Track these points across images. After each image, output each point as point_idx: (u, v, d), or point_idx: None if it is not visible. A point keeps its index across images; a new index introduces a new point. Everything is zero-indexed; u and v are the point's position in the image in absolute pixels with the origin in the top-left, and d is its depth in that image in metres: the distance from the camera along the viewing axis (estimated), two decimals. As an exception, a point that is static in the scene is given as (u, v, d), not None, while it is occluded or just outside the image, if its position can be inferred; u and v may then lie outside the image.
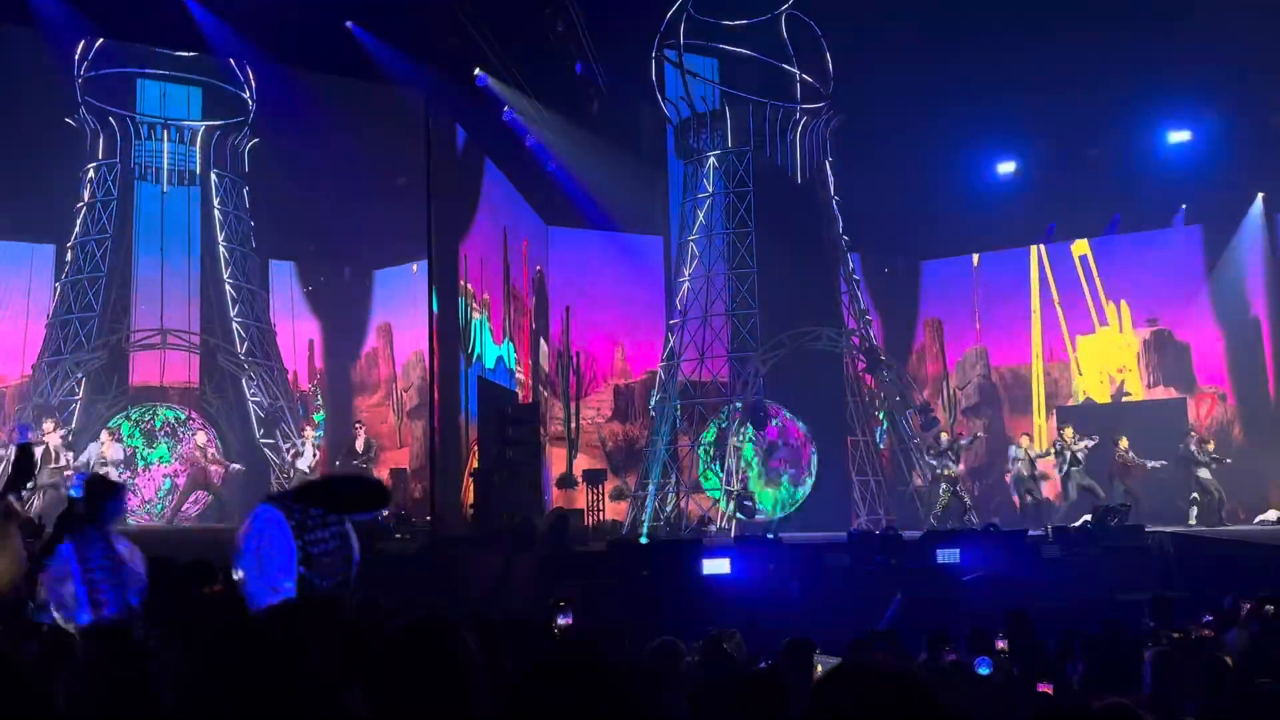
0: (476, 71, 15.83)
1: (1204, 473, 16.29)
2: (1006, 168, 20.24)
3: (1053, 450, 17.28)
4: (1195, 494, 16.22)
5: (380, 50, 14.32)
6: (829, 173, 18.78)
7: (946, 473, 16.80)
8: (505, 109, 17.03)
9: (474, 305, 16.13)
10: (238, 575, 1.92)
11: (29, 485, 4.42)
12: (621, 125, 18.47)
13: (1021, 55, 17.12)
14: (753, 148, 18.24)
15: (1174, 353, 19.49)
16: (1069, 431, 17.20)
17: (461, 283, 15.55)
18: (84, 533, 2.35)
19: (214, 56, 13.23)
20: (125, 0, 12.30)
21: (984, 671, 5.77)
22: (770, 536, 13.76)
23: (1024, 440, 17.92)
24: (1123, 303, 19.99)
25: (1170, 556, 13.08)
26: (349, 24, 14.18)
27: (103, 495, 2.47)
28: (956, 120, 18.44)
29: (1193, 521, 15.86)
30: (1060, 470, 17.09)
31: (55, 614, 2.37)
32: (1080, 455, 16.71)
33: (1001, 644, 6.48)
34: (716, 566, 11.52)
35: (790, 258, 18.22)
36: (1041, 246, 20.60)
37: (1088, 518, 14.55)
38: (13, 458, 4.64)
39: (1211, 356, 19.11)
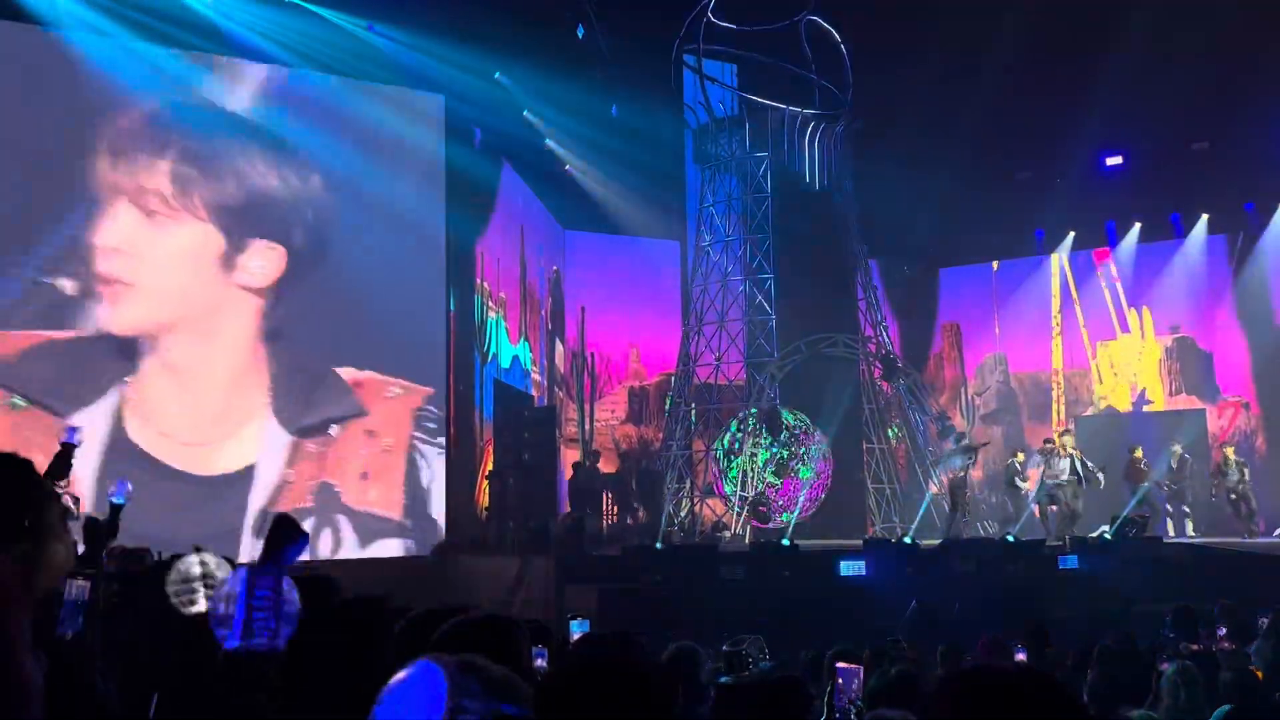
0: (496, 75, 15.88)
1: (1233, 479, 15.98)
2: (1025, 175, 20.16)
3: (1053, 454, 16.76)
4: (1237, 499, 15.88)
5: (400, 53, 14.38)
6: (847, 179, 18.75)
7: (954, 475, 16.62)
8: (524, 113, 17.08)
9: (490, 304, 16.16)
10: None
11: (62, 483, 4.45)
12: (640, 130, 18.49)
13: (1038, 62, 17.07)
14: (771, 153, 18.23)
15: (1196, 360, 19.36)
16: (1069, 440, 16.89)
17: (478, 281, 15.58)
18: (261, 569, 2.41)
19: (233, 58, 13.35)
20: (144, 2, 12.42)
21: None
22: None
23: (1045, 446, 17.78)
24: (1145, 309, 19.87)
25: (1189, 567, 13.01)
26: (369, 25, 14.25)
27: (289, 539, 2.53)
28: (976, 127, 18.38)
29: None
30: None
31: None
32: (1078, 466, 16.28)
33: (1020, 655, 6.45)
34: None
35: (807, 264, 18.21)
36: (1062, 254, 20.52)
37: (1105, 528, 14.47)
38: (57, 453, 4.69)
39: (1235, 365, 18.97)
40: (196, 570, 3.06)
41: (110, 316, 12.41)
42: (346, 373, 13.81)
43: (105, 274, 12.38)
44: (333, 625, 2.66)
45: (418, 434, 14.10)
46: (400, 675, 1.87)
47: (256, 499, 12.97)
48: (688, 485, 17.69)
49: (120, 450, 12.12)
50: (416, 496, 14.00)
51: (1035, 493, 16.36)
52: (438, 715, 1.78)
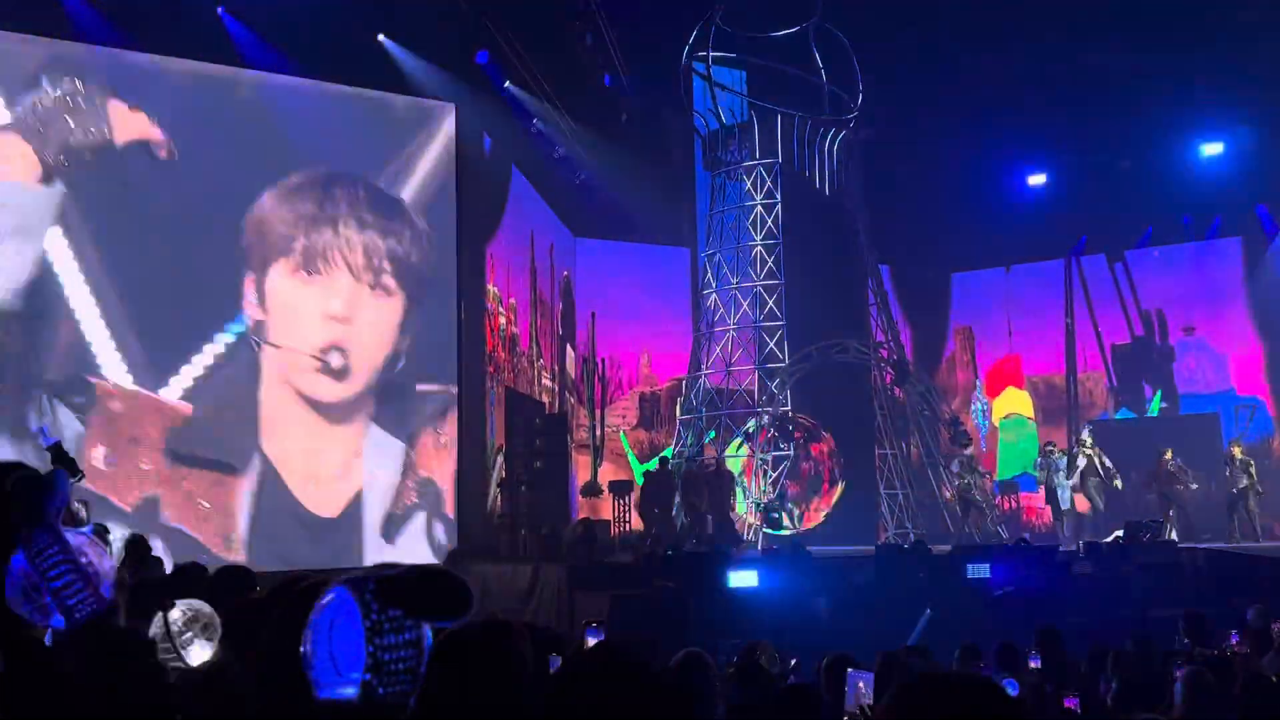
0: (506, 84, 15.94)
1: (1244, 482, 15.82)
2: (1037, 180, 20.12)
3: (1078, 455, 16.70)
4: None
5: (411, 63, 14.44)
6: (857, 184, 18.74)
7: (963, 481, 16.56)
8: (534, 121, 17.13)
9: (500, 309, 16.17)
10: (305, 648, 1.88)
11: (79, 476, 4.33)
12: (649, 137, 18.52)
13: (1054, 67, 17.05)
14: (781, 160, 18.23)
15: (1211, 362, 19.26)
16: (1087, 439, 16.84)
17: (488, 285, 15.61)
18: (31, 539, 2.19)
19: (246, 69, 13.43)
20: (158, 10, 12.46)
21: (1011, 693, 5.72)
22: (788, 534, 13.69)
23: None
24: (1159, 311, 19.79)
25: (1204, 572, 12.93)
26: (381, 37, 14.31)
27: (42, 491, 2.28)
28: (987, 132, 18.37)
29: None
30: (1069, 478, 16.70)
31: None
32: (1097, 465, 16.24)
33: (1034, 663, 6.43)
34: (742, 580, 11.50)
35: (818, 270, 18.19)
36: (1074, 258, 20.47)
37: (1119, 533, 14.39)
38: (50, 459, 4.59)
39: (1250, 366, 18.87)
40: (174, 624, 2.97)
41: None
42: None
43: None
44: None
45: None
46: (322, 600, 1.86)
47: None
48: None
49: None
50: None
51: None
52: (360, 649, 1.79)
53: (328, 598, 1.88)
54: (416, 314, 14.16)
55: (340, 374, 13.41)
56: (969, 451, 17.18)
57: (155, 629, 2.99)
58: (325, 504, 13.21)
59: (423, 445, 14.05)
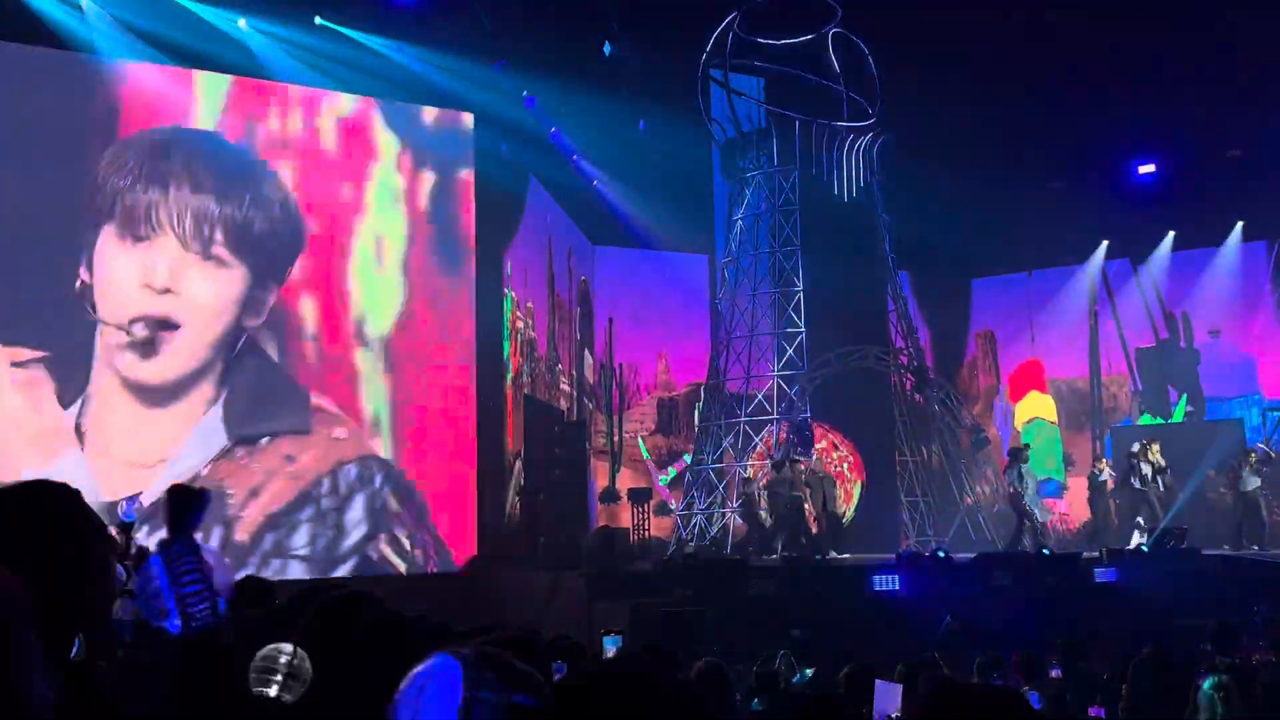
0: (524, 93, 16.00)
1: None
2: (1058, 185, 20.00)
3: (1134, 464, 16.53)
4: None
5: (429, 71, 14.54)
6: (877, 191, 18.69)
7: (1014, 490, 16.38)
8: (552, 130, 17.18)
9: (518, 314, 16.20)
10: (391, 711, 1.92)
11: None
12: (667, 145, 18.54)
13: (1072, 72, 16.95)
14: (799, 166, 18.21)
15: (1238, 365, 19.07)
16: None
17: (505, 291, 15.65)
18: (171, 545, 2.41)
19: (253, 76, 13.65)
20: (178, 21, 12.66)
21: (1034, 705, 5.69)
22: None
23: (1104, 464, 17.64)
24: (1184, 313, 19.63)
25: (1227, 581, 12.81)
26: (396, 44, 14.41)
27: (186, 505, 2.53)
28: (1006, 137, 18.28)
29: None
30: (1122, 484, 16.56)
31: (146, 624, 2.42)
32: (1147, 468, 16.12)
33: (1056, 673, 6.39)
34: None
35: (837, 276, 18.13)
36: (1096, 263, 20.35)
37: (1142, 540, 14.29)
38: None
39: (1278, 369, 18.67)
40: (289, 659, 2.97)
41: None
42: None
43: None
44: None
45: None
46: (419, 667, 1.91)
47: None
48: (719, 499, 17.64)
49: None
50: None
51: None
52: (455, 705, 1.83)
53: (427, 664, 1.93)
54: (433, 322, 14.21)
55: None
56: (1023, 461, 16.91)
57: (281, 661, 2.95)
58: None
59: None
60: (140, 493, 10.94)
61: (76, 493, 2.01)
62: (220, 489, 12.37)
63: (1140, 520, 15.69)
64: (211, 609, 2.34)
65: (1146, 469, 15.92)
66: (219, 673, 2.35)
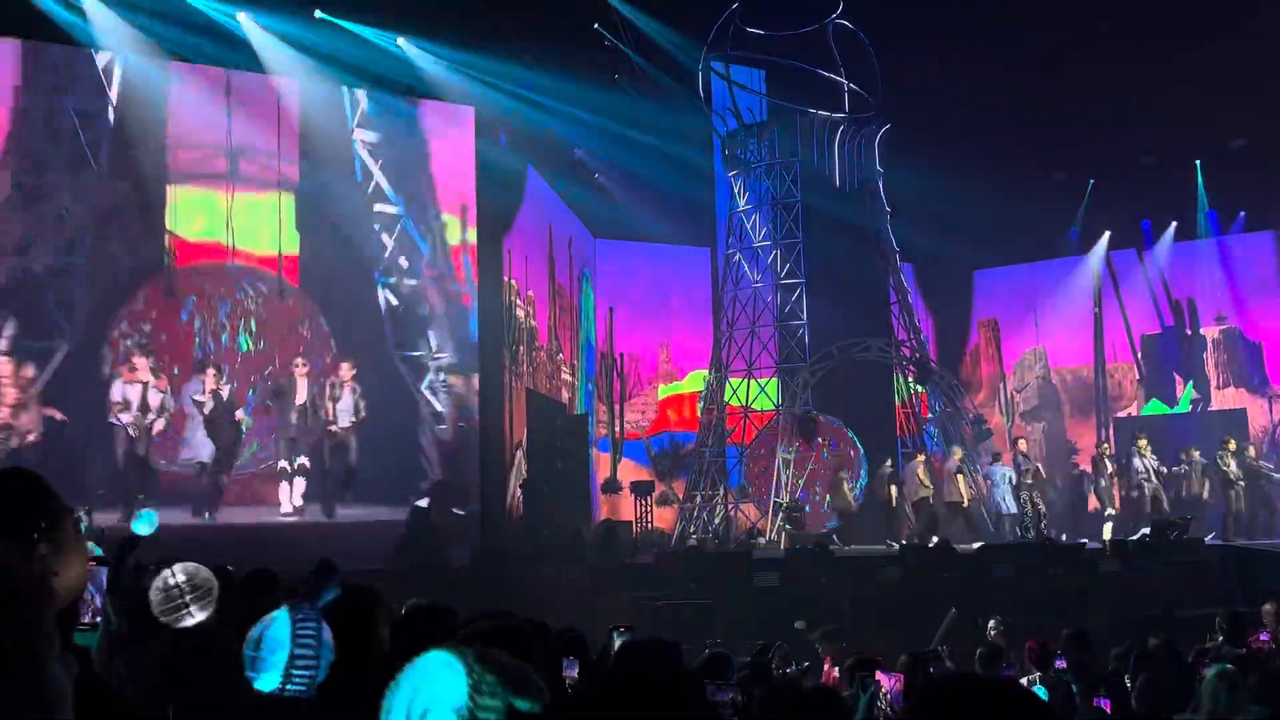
0: (523, 86, 15.96)
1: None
2: (1061, 176, 19.97)
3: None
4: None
5: (430, 65, 14.52)
6: (878, 182, 18.66)
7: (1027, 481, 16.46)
8: (552, 123, 17.14)
9: (518, 302, 16.16)
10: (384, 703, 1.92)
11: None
12: (668, 137, 18.50)
13: (1075, 63, 16.90)
14: (800, 158, 18.18)
15: (1245, 352, 19.01)
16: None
17: (505, 279, 15.61)
18: (301, 608, 2.45)
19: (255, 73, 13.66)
20: (181, 21, 12.63)
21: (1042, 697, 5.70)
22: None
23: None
24: (1190, 300, 19.55)
25: (1231, 570, 12.82)
26: (399, 39, 14.38)
27: (329, 579, 2.58)
28: (1009, 128, 18.25)
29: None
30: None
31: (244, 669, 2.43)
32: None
33: (1061, 663, 6.40)
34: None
35: (839, 268, 18.12)
36: (1099, 254, 20.30)
37: (1145, 531, 14.29)
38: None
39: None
40: (174, 580, 3.02)
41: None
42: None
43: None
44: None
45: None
46: (416, 663, 1.88)
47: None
48: (721, 492, 17.64)
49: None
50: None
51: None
52: (459, 708, 1.80)
53: (423, 660, 1.93)
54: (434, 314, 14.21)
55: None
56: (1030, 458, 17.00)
57: (157, 591, 3.02)
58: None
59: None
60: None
61: (38, 476, 2.00)
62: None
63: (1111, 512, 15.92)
64: (310, 681, 2.37)
65: (1139, 463, 16.08)
66: None
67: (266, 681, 2.38)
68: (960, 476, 16.41)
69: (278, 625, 2.45)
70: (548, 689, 1.95)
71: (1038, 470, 16.96)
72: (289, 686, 2.35)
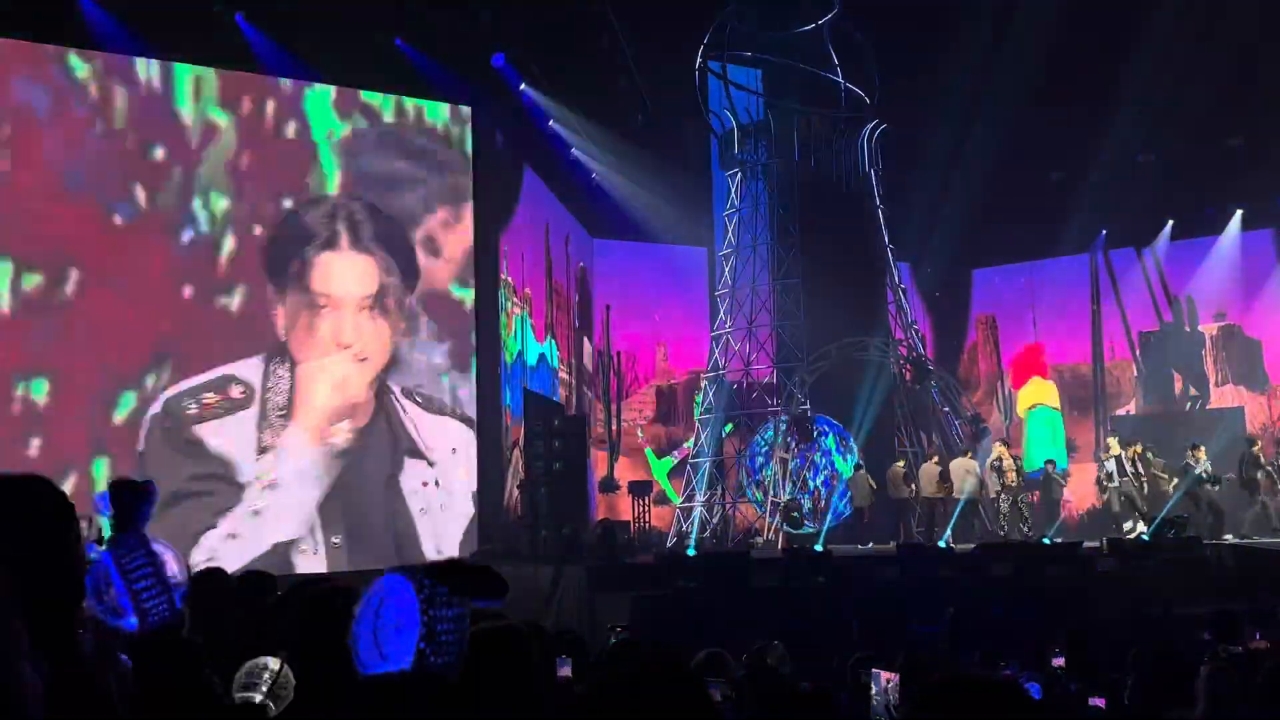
0: (521, 86, 15.96)
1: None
2: (1058, 175, 19.96)
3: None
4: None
5: (426, 66, 14.49)
6: (875, 181, 18.67)
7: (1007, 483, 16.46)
8: (549, 122, 17.14)
9: (514, 300, 16.13)
10: (352, 630, 1.95)
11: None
12: (665, 137, 18.51)
13: (1073, 63, 16.92)
14: (797, 158, 18.19)
15: (1244, 349, 19.00)
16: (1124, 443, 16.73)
17: (502, 277, 15.59)
18: (120, 541, 2.34)
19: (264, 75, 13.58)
20: (166, 12, 12.61)
21: (1034, 694, 5.69)
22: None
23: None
24: (1189, 297, 19.53)
25: (1230, 569, 12.83)
26: (397, 40, 14.35)
27: (133, 499, 2.45)
28: (1007, 127, 18.25)
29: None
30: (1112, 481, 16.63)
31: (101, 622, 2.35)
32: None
33: (1058, 661, 6.40)
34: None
35: (836, 268, 18.12)
36: (1097, 252, 20.31)
37: (1143, 529, 14.30)
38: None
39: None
40: (272, 668, 2.90)
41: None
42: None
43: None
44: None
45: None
46: (371, 587, 1.93)
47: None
48: (719, 491, 17.65)
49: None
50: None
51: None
52: (413, 623, 1.86)
53: (378, 583, 1.97)
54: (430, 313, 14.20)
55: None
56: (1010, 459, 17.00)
57: (254, 665, 2.89)
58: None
59: None
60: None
61: (52, 484, 1.99)
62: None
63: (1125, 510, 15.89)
64: (168, 604, 2.27)
65: (1130, 467, 15.98)
66: (180, 667, 2.32)
67: (130, 621, 2.34)
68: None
69: (103, 567, 2.37)
70: (546, 690, 1.96)
71: (1019, 470, 16.93)
72: (149, 620, 2.29)
